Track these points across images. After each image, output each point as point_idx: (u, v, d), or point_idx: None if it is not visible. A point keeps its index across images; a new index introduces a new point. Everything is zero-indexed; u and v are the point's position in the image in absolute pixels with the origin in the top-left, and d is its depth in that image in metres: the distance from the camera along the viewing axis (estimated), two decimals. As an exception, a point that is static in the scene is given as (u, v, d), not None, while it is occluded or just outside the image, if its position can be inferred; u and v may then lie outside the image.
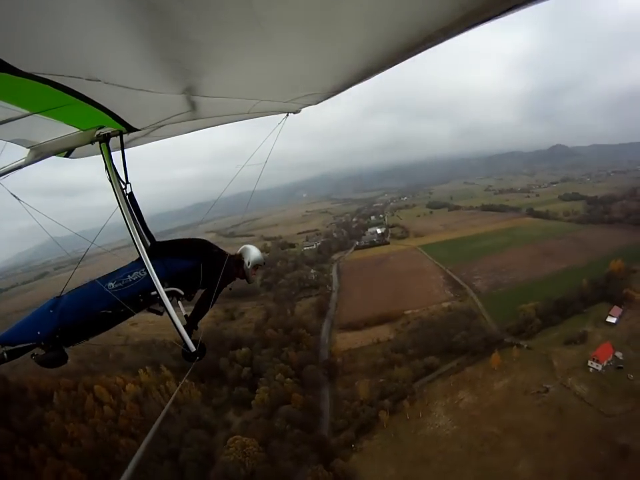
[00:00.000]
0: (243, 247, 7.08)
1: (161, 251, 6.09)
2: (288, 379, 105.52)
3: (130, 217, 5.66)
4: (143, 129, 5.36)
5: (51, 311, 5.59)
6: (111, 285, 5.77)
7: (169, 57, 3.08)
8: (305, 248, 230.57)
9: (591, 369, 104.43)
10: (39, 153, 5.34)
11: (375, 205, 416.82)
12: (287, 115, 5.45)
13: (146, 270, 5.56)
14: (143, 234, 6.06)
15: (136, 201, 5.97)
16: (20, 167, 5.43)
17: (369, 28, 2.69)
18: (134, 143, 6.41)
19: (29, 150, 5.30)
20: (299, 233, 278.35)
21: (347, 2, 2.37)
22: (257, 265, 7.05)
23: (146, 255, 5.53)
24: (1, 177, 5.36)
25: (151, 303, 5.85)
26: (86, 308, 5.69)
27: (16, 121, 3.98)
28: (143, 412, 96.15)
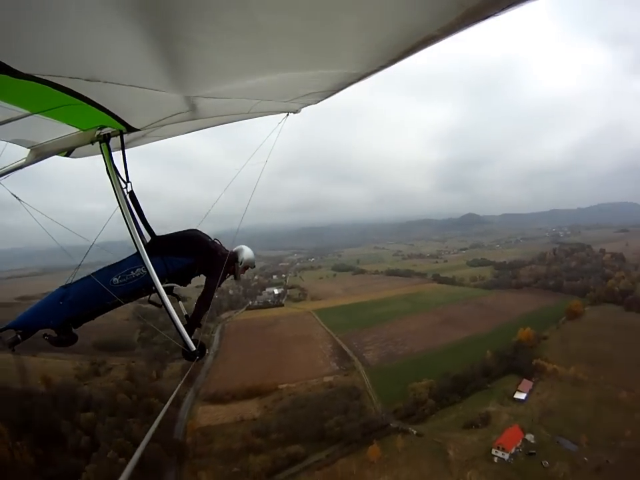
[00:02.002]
0: (238, 246, 7.57)
1: (161, 247, 6.54)
2: (122, 459, 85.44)
3: (130, 216, 5.95)
4: (143, 128, 5.53)
5: (61, 303, 6.15)
6: (116, 280, 6.26)
7: (168, 58, 3.23)
8: None
9: (495, 459, 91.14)
10: (40, 153, 5.58)
11: (281, 264, 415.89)
12: (287, 115, 5.78)
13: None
14: (143, 234, 6.34)
15: (137, 200, 6.26)
16: (21, 167, 5.68)
17: (368, 30, 2.83)
18: (135, 142, 6.64)
19: (29, 150, 5.56)
20: (197, 287, 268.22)
21: (347, 6, 2.47)
22: (246, 266, 7.60)
23: (147, 256, 5.93)
24: (2, 177, 5.62)
25: (151, 293, 6.42)
26: (92, 300, 6.27)
27: (16, 122, 4.21)
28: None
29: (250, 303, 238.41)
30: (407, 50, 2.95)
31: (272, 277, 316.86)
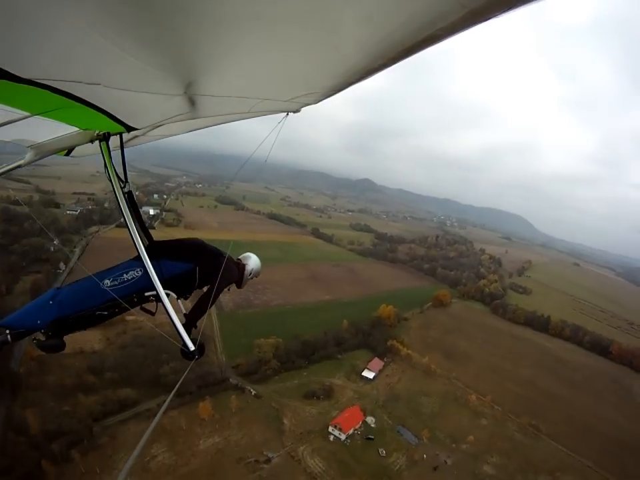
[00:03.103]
0: (245, 254, 7.60)
1: (157, 251, 6.30)
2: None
3: (130, 216, 5.95)
4: (143, 128, 5.63)
5: (51, 302, 5.99)
6: (107, 282, 6.07)
7: (168, 58, 3.26)
8: (68, 211, 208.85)
9: (332, 437, 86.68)
10: (39, 152, 5.54)
11: (166, 183, 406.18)
12: (287, 114, 5.69)
13: (141, 270, 6.01)
14: (142, 233, 6.24)
15: (134, 200, 6.23)
16: (19, 167, 5.69)
17: (369, 27, 2.85)
18: (133, 142, 6.96)
19: (28, 149, 5.50)
20: (75, 193, 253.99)
21: (349, 1, 2.52)
22: (254, 276, 7.52)
23: (146, 255, 5.84)
24: (1, 176, 5.82)
25: (144, 302, 6.26)
26: (82, 303, 6.06)
27: (16, 123, 4.21)
28: None
29: (122, 219, 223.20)
30: (408, 49, 2.94)
31: (153, 196, 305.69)
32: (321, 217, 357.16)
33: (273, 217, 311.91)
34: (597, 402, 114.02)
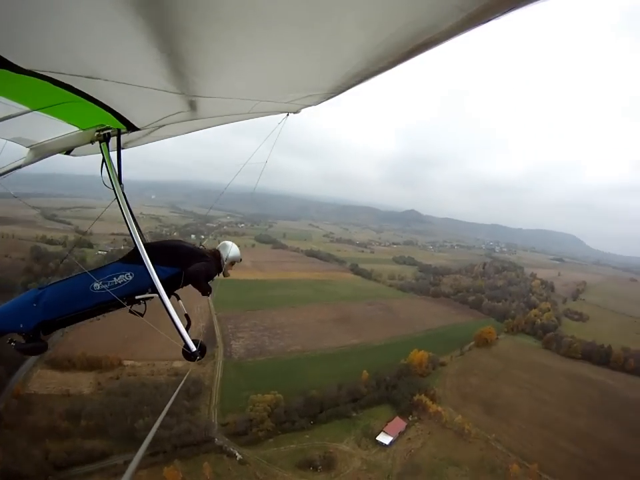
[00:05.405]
0: (222, 242, 7.51)
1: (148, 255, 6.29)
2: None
3: (130, 216, 5.93)
4: (143, 128, 5.60)
5: (34, 305, 5.85)
6: (97, 286, 6.02)
7: (169, 55, 3.27)
8: (100, 252, 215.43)
9: None
10: (39, 153, 5.69)
11: (208, 224, 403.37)
12: (287, 115, 5.76)
13: (132, 274, 6.04)
14: (142, 234, 6.30)
15: (128, 202, 6.17)
16: (19, 167, 5.79)
17: (370, 29, 2.91)
18: (133, 143, 6.89)
19: (28, 149, 5.66)
20: (112, 234, 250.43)
21: (349, 3, 2.56)
22: (233, 262, 7.48)
23: (147, 256, 5.81)
24: (1, 177, 5.80)
25: (133, 304, 6.22)
26: (69, 306, 5.97)
27: (16, 119, 4.29)
28: None
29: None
30: (408, 52, 3.01)
31: (190, 237, 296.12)
32: (363, 251, 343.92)
33: (311, 254, 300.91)
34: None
